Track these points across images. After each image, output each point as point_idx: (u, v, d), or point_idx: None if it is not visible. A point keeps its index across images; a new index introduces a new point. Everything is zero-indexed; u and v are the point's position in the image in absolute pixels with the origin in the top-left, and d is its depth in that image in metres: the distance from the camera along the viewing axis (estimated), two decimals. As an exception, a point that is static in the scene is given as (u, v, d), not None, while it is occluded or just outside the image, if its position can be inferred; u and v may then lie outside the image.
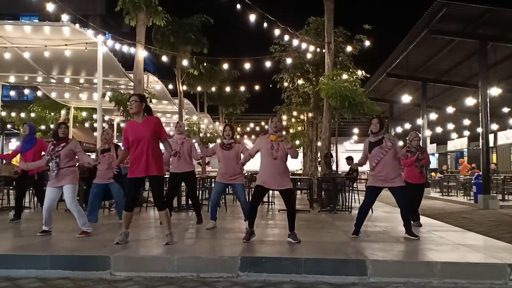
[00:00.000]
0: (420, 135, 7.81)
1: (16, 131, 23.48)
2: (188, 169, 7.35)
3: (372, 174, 6.06)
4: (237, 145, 6.76)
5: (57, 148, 6.03)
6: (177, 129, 7.56)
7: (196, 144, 7.55)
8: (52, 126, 20.22)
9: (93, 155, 8.60)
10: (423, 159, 7.40)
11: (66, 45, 10.10)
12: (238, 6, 11.95)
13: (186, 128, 19.14)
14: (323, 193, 10.55)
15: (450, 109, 20.37)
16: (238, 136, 34.46)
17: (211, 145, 16.81)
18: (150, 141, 5.25)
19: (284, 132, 6.25)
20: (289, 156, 5.71)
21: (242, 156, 6.57)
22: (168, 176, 7.51)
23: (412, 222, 6.83)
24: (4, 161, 15.41)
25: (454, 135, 30.80)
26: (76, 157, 6.17)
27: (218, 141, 14.05)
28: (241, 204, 6.85)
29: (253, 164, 6.56)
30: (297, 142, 20.27)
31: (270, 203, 11.07)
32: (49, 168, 6.02)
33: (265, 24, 12.65)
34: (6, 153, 8.14)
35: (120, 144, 6.33)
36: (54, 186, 5.96)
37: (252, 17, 12.22)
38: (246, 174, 16.98)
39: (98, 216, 7.66)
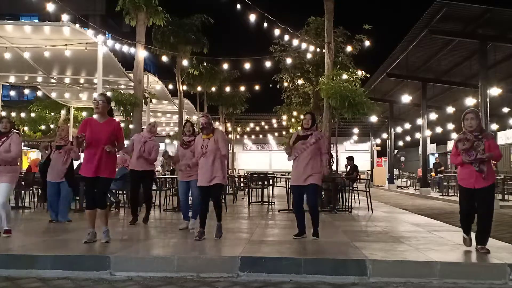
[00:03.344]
0: (476, 112, 5.05)
1: (16, 131, 23.46)
2: (146, 168, 7.36)
3: (293, 170, 5.93)
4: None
5: None
6: (148, 128, 7.59)
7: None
8: (52, 126, 20.30)
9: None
10: (488, 156, 4.87)
11: (66, 45, 10.10)
12: (238, 6, 11.95)
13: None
14: (323, 193, 10.55)
15: (450, 109, 20.38)
16: (238, 136, 34.49)
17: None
18: (107, 143, 5.28)
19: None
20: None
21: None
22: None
23: (475, 244, 5.02)
24: None
25: (454, 135, 30.81)
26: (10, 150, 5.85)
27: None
28: (193, 201, 6.81)
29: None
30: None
31: (270, 203, 11.07)
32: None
33: (265, 24, 12.66)
34: None
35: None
36: None
37: (252, 17, 12.22)
38: (245, 174, 16.98)
39: (68, 216, 7.53)
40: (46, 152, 7.66)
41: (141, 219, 7.37)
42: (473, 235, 5.12)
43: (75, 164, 7.86)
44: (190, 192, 6.81)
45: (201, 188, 5.78)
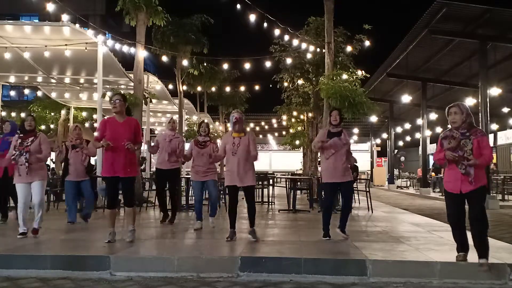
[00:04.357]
0: (461, 106, 4.37)
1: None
2: (172, 166, 7.32)
3: (327, 167, 5.86)
4: (211, 144, 6.77)
5: (26, 142, 5.83)
6: (170, 125, 7.54)
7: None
8: (52, 126, 20.32)
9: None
10: (473, 163, 4.17)
11: (66, 45, 10.09)
12: (238, 6, 11.94)
13: (186, 128, 19.27)
14: (323, 193, 10.54)
15: (450, 109, 20.36)
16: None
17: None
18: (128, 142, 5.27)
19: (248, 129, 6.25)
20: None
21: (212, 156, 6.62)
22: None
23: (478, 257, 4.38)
24: None
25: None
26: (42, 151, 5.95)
27: (218, 141, 14.04)
28: (212, 201, 6.86)
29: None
30: (297, 142, 20.28)
31: (270, 203, 11.07)
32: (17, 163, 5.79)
33: (265, 24, 12.65)
34: None
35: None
36: (25, 182, 5.80)
37: (252, 17, 12.21)
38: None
39: (76, 217, 7.48)
40: (60, 152, 7.56)
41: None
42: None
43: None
44: (206, 191, 6.83)
45: (230, 188, 5.73)
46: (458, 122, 4.29)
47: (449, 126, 4.56)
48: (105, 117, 6.41)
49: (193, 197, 10.33)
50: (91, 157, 7.79)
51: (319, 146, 5.86)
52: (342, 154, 5.84)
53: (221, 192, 9.77)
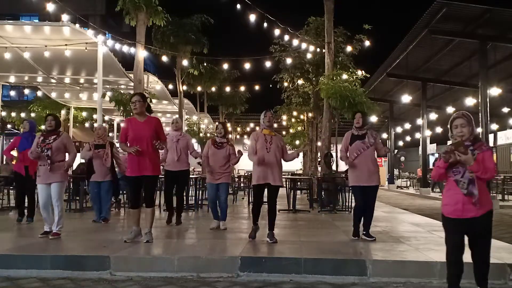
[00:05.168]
0: (467, 116, 3.72)
1: (16, 131, 23.53)
2: (182, 167, 7.21)
3: (353, 170, 5.82)
4: (228, 146, 6.71)
5: (48, 140, 5.79)
6: (174, 126, 7.44)
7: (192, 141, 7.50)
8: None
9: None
10: (479, 169, 3.41)
11: (66, 45, 10.10)
12: (238, 6, 11.96)
13: (186, 128, 19.29)
14: (323, 193, 10.55)
15: (450, 109, 20.37)
16: (238, 136, 34.55)
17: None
18: (150, 141, 5.27)
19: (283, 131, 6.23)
20: (289, 156, 5.82)
21: (231, 157, 6.66)
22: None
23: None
24: (4, 161, 15.44)
25: (454, 135, 30.72)
26: (67, 155, 5.99)
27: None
28: (220, 203, 6.77)
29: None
30: (297, 142, 20.30)
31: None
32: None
33: (265, 24, 12.67)
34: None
35: (115, 142, 6.21)
36: (45, 183, 5.77)
37: (252, 17, 12.23)
38: (246, 174, 16.92)
39: (110, 213, 7.54)
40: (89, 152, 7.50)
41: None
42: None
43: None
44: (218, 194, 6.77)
45: (258, 187, 5.68)
46: (466, 135, 3.64)
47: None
48: (128, 117, 6.37)
49: (194, 197, 10.39)
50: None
51: (345, 159, 5.92)
52: (368, 157, 5.76)
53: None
